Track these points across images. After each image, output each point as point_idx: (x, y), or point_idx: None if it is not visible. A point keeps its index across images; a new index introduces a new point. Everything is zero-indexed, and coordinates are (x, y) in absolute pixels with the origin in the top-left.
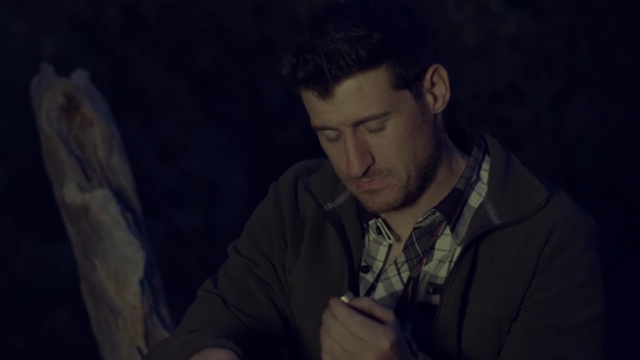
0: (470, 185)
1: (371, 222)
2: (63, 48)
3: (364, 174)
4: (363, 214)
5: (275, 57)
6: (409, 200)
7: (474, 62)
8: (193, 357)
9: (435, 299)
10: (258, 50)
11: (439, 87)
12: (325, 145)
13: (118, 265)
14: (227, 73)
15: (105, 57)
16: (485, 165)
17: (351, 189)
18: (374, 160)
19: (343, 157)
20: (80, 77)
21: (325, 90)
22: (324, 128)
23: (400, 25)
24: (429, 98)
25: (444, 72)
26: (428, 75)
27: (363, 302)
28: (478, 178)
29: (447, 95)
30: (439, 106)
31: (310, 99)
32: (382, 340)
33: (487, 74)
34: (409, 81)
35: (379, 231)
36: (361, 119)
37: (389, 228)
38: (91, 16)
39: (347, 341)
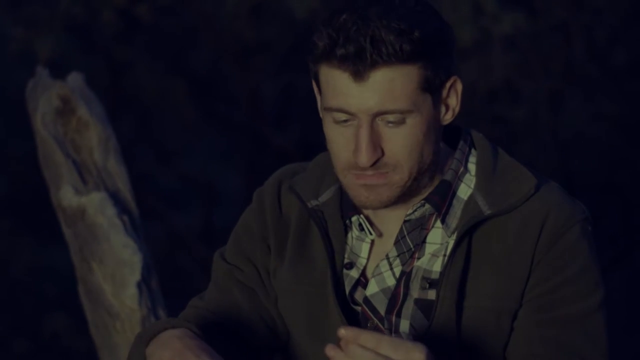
0: (458, 177)
1: (354, 219)
2: (58, 51)
3: (372, 165)
4: (346, 211)
5: (270, 58)
6: (398, 199)
7: (469, 60)
8: (150, 343)
9: (432, 294)
10: (254, 51)
11: (451, 99)
12: (331, 128)
13: (115, 268)
14: (223, 74)
15: (100, 59)
16: (472, 158)
17: (345, 180)
18: (383, 154)
19: (348, 145)
20: (75, 79)
21: (360, 73)
22: (340, 110)
23: (437, 29)
24: (442, 108)
25: (459, 86)
26: (448, 85)
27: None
28: (466, 170)
29: (457, 109)
30: (448, 118)
31: (338, 79)
32: (416, 354)
33: (482, 73)
34: (433, 87)
35: (361, 227)
36: (384, 110)
37: (372, 224)
38: (86, 19)
39: None
